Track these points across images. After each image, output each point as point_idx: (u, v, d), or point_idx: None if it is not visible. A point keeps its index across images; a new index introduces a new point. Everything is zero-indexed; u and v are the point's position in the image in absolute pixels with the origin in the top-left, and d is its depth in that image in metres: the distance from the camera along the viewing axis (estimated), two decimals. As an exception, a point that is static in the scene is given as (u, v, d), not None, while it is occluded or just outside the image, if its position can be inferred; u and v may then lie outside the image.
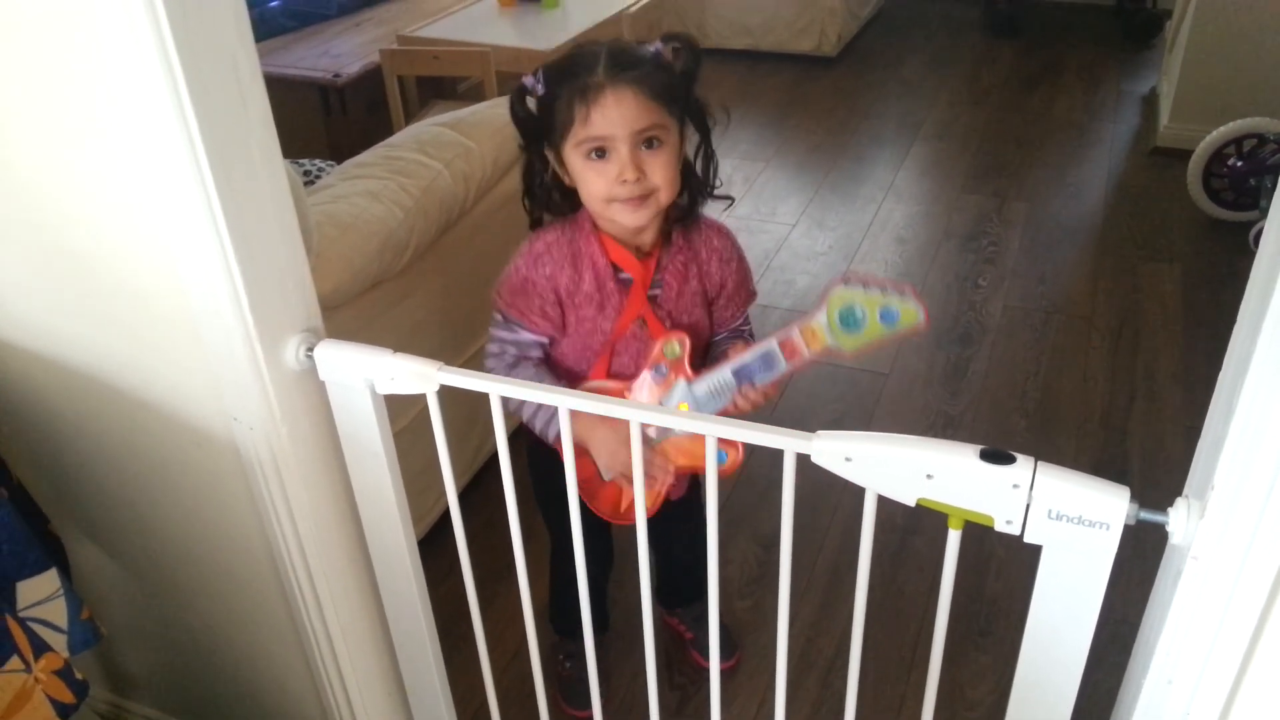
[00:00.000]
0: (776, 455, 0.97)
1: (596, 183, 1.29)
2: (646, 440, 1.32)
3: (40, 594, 1.22)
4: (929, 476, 0.91)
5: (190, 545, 1.38)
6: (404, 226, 1.83)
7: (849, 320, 1.14)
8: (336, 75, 3.38)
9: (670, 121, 1.30)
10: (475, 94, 3.46)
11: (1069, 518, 0.87)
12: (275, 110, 1.05)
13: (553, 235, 1.38)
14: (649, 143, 1.28)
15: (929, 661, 1.03)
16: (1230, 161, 3.17)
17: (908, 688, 1.81)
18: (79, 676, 1.21)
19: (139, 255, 1.09)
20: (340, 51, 3.57)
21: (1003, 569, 2.02)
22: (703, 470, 1.35)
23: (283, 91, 3.21)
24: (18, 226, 1.15)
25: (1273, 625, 0.85)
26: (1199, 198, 3.25)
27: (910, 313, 1.12)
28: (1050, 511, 0.88)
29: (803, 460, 0.96)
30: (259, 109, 1.03)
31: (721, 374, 1.27)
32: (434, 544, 1.75)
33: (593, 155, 1.28)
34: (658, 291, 1.40)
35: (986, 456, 0.88)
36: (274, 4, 3.80)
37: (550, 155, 1.35)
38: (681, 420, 1.02)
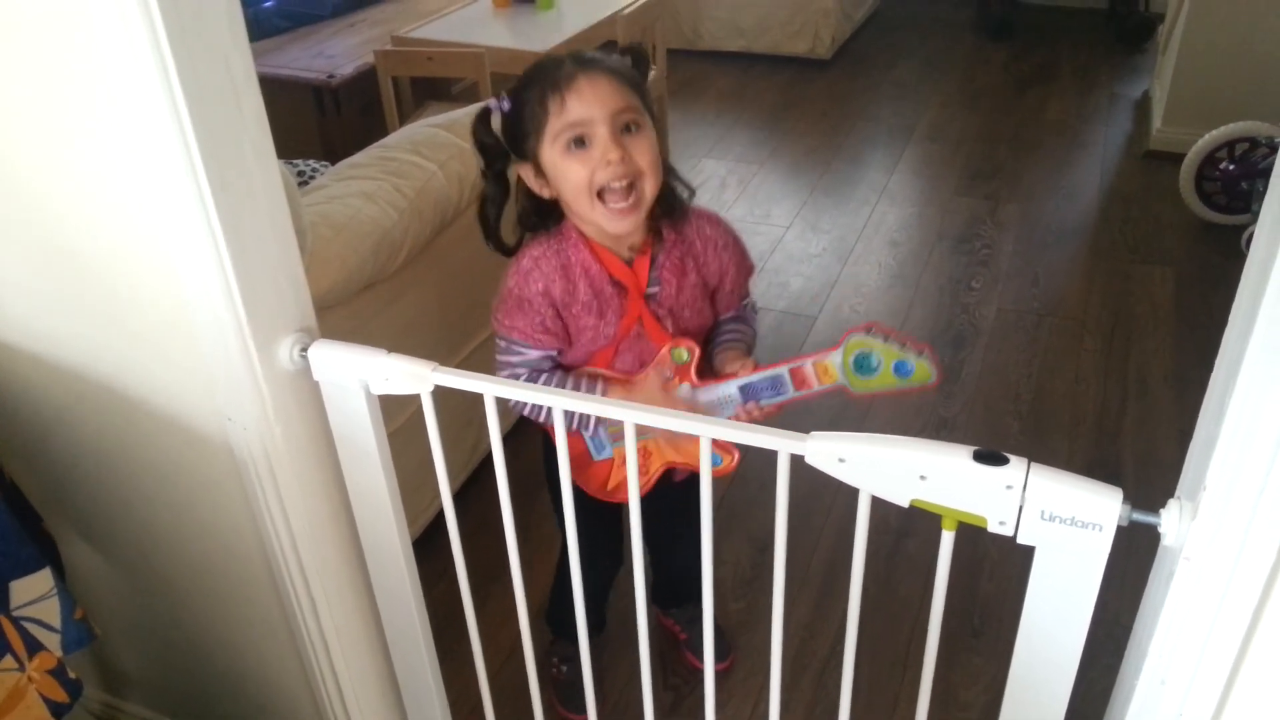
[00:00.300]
0: (771, 456, 0.97)
1: (579, 172, 1.26)
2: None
3: (34, 593, 1.22)
4: (922, 477, 0.91)
5: (184, 545, 1.38)
6: (398, 227, 1.83)
7: (863, 365, 1.16)
8: (331, 76, 3.37)
9: (644, 110, 1.30)
10: (470, 95, 3.46)
11: (1062, 519, 0.87)
12: (269, 111, 1.05)
13: (538, 249, 1.36)
14: (627, 128, 1.27)
15: (923, 662, 1.03)
16: (1222, 165, 3.18)
17: (902, 688, 1.82)
18: (72, 676, 1.21)
19: (134, 255, 1.09)
20: (334, 52, 3.57)
21: (996, 570, 2.03)
22: (694, 468, 1.35)
23: (277, 92, 3.21)
24: (13, 227, 1.14)
25: (1265, 625, 0.85)
26: (1191, 201, 3.27)
27: (924, 371, 1.15)
28: (1043, 513, 0.88)
29: (797, 461, 0.97)
30: (253, 109, 1.03)
31: (727, 388, 1.28)
32: (429, 544, 1.75)
33: (572, 145, 1.26)
34: (655, 289, 1.38)
35: (980, 457, 0.89)
36: (268, 5, 3.80)
37: (524, 170, 1.33)
38: (677, 421, 1.02)
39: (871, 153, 4.03)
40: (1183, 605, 0.88)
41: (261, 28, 3.70)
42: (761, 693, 1.82)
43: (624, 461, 1.40)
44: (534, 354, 1.37)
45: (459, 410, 2.04)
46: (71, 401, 1.28)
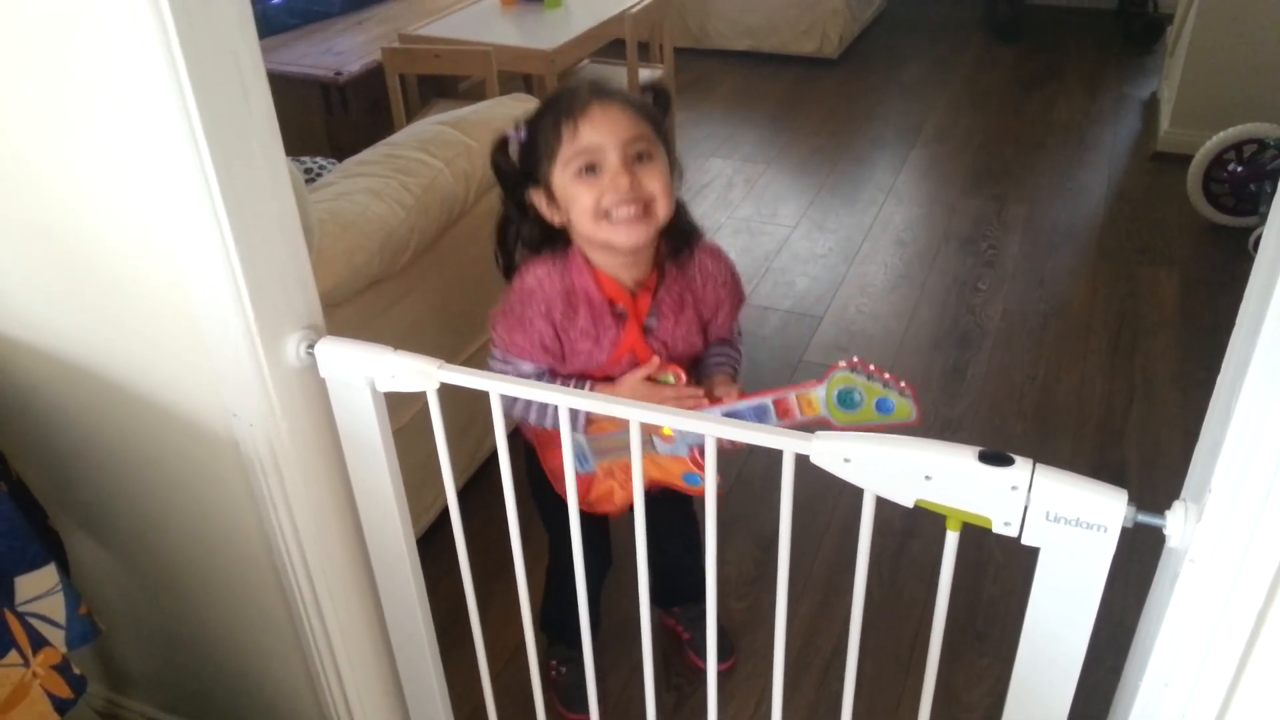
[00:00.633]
0: (775, 456, 0.97)
1: (588, 197, 1.28)
2: (649, 443, 1.33)
3: (39, 589, 1.22)
4: (927, 478, 0.91)
5: (189, 541, 1.38)
6: (405, 225, 1.83)
7: (846, 400, 1.17)
8: (338, 73, 3.38)
9: (658, 142, 1.32)
10: (476, 93, 3.46)
11: (1067, 520, 0.87)
12: (277, 108, 1.05)
13: (543, 269, 1.37)
14: (639, 157, 1.29)
15: (926, 663, 1.03)
16: (1230, 167, 3.17)
17: (905, 689, 1.82)
18: (77, 672, 1.21)
19: (141, 251, 1.09)
20: (342, 49, 3.57)
21: (1000, 572, 2.03)
22: (674, 485, 1.36)
23: (285, 89, 3.21)
24: (20, 223, 1.15)
25: (1269, 628, 0.85)
26: (1199, 202, 3.26)
27: (905, 409, 1.16)
28: (1048, 513, 0.88)
29: (801, 461, 0.97)
30: (262, 107, 1.03)
31: (712, 414, 1.29)
32: (432, 542, 1.75)
33: (583, 172, 1.28)
34: (653, 323, 1.40)
35: (985, 458, 0.89)
36: (277, 1, 3.80)
37: (536, 196, 1.35)
38: (683, 420, 1.02)
39: (878, 153, 4.03)
40: (1187, 608, 0.88)
41: (270, 24, 3.71)
42: (764, 693, 1.82)
43: (608, 474, 1.42)
44: (528, 368, 1.39)
45: (462, 410, 2.04)
46: (77, 397, 1.29)
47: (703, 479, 1.33)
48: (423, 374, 1.09)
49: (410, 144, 2.03)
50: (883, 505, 0.94)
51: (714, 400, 1.36)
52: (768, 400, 1.22)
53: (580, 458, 1.40)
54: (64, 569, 1.29)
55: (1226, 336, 0.94)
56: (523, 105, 2.27)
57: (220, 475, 1.26)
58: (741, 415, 1.24)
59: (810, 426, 0.99)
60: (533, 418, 1.39)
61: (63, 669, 1.19)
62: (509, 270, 1.43)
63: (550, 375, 1.40)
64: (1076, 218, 3.45)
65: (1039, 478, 0.87)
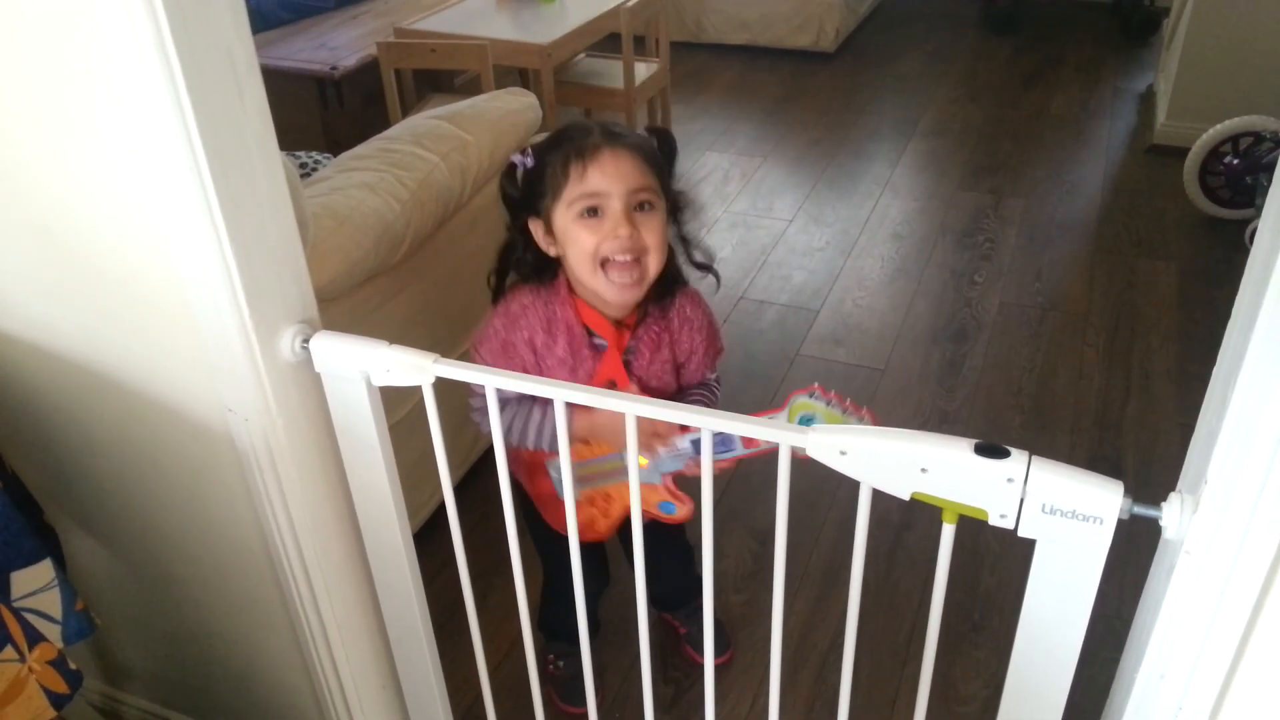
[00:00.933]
0: (772, 451, 0.97)
1: (588, 240, 1.30)
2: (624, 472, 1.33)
3: (35, 584, 1.22)
4: (924, 470, 0.91)
5: (185, 537, 1.38)
6: (400, 219, 1.83)
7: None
8: (333, 68, 3.37)
9: (660, 192, 1.34)
10: (472, 87, 3.45)
11: (1063, 512, 0.87)
12: (271, 103, 1.05)
13: (528, 298, 1.40)
14: (641, 206, 1.31)
15: (923, 656, 1.03)
16: (1226, 159, 3.18)
17: (902, 681, 1.82)
18: (73, 667, 1.21)
19: (135, 246, 1.09)
20: (337, 44, 3.57)
21: (996, 564, 2.03)
22: (652, 515, 1.37)
23: (279, 84, 3.20)
24: (14, 218, 1.14)
25: (1265, 619, 0.85)
26: (1195, 195, 3.26)
27: None
28: (1044, 506, 0.88)
29: (798, 455, 0.96)
30: (256, 101, 1.03)
31: (681, 442, 1.31)
32: (429, 538, 1.75)
33: (585, 214, 1.30)
34: (630, 359, 1.42)
35: (981, 450, 0.89)
36: (271, -4, 3.79)
37: (534, 225, 1.37)
38: (676, 414, 1.02)
39: (875, 146, 4.03)
40: (1183, 599, 0.88)
41: (264, 19, 3.70)
42: (761, 686, 1.82)
43: (589, 501, 1.43)
44: (511, 394, 1.40)
45: (458, 405, 2.03)
46: (73, 392, 1.28)
47: (677, 507, 1.37)
48: (418, 368, 1.09)
49: (405, 138, 2.02)
50: (879, 498, 0.94)
51: (681, 431, 1.36)
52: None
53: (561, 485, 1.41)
54: (60, 565, 1.29)
55: (1222, 329, 0.94)
56: (519, 100, 2.27)
57: (216, 470, 1.26)
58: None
59: (774, 455, 0.99)
60: (514, 438, 1.40)
61: (59, 664, 1.19)
62: (498, 293, 1.45)
63: (530, 403, 1.41)
64: (1073, 211, 3.45)
65: (1035, 470, 0.87)
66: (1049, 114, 4.21)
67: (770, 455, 1.03)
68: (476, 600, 1.27)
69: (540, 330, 1.38)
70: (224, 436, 1.20)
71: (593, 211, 1.30)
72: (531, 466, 1.49)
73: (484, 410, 1.14)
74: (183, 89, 0.94)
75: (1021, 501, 0.88)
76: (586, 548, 1.58)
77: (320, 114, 3.63)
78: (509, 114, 2.19)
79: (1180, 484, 0.96)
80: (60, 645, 1.22)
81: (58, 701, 1.18)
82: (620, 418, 1.34)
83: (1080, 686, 1.01)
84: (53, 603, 1.24)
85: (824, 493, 2.20)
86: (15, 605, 1.19)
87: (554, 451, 1.43)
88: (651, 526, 1.42)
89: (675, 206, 1.40)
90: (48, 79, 1.01)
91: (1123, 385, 2.57)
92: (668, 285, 1.43)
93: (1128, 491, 0.86)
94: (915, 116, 4.25)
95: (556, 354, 1.39)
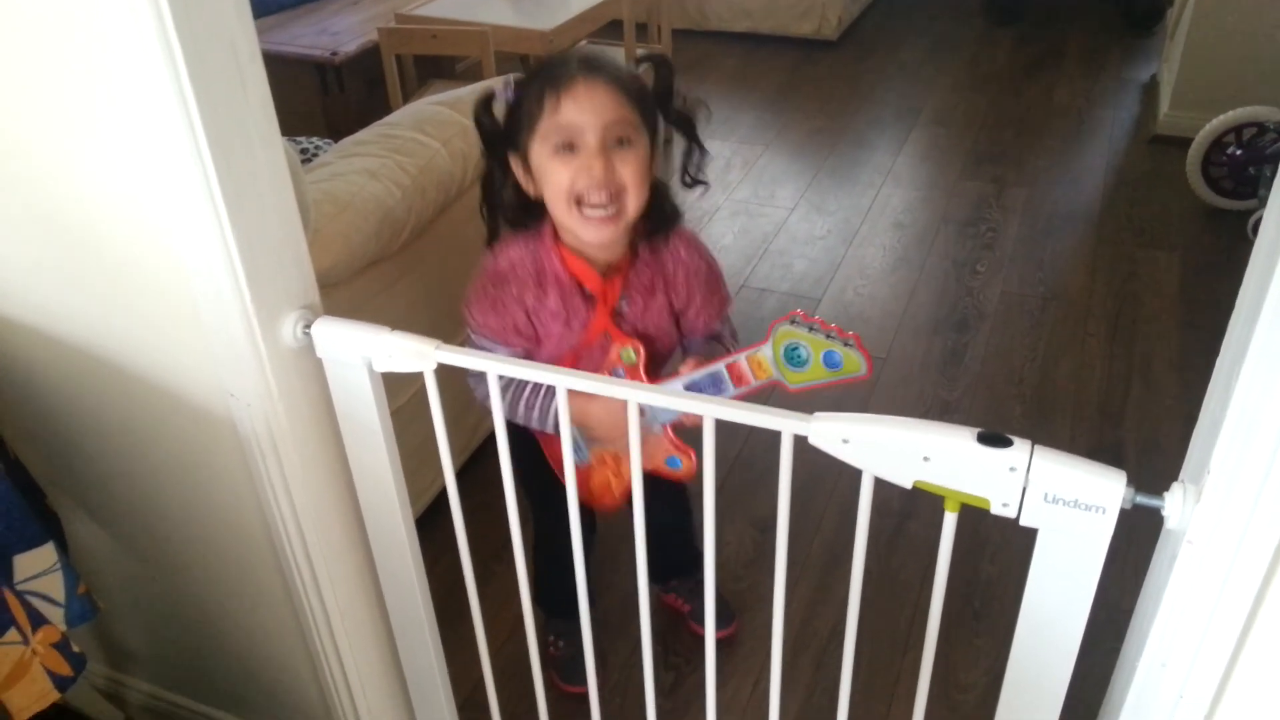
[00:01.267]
0: (774, 438, 0.97)
1: (561, 176, 1.26)
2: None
3: (37, 567, 1.23)
4: (926, 459, 0.91)
5: (187, 521, 1.38)
6: (402, 205, 1.83)
7: (793, 358, 1.14)
8: (334, 53, 3.36)
9: (642, 126, 1.28)
10: (473, 73, 3.45)
11: (1065, 501, 0.87)
12: (272, 88, 1.04)
13: (516, 252, 1.36)
14: (620, 141, 1.26)
15: (924, 644, 1.04)
16: (1230, 150, 3.17)
17: (902, 670, 1.82)
18: (76, 650, 1.21)
19: (137, 231, 1.09)
20: (338, 29, 3.55)
21: (998, 553, 2.03)
22: (660, 473, 1.36)
23: (280, 69, 3.20)
24: (17, 204, 1.14)
25: (1267, 609, 0.85)
26: (1198, 186, 3.25)
27: (853, 362, 1.12)
28: (1047, 495, 0.88)
29: (800, 442, 0.96)
30: (257, 87, 1.02)
31: (673, 387, 1.28)
32: (430, 523, 1.75)
33: (560, 148, 1.25)
34: (624, 306, 1.39)
35: (984, 439, 0.89)
36: (272, -19, 3.78)
37: (514, 162, 1.33)
38: (679, 400, 1.02)
39: (877, 135, 4.02)
40: (1185, 588, 0.88)
41: (265, 4, 3.69)
42: (762, 671, 1.83)
43: (600, 463, 1.42)
44: (503, 351, 1.39)
45: (460, 392, 2.03)
46: (75, 377, 1.28)
47: (682, 461, 1.34)
48: (420, 354, 1.09)
49: (407, 124, 2.02)
50: (881, 486, 0.95)
51: (672, 377, 1.33)
52: (720, 366, 1.21)
53: (576, 447, 1.40)
54: (62, 548, 1.29)
55: (1224, 320, 0.94)
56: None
57: (218, 455, 1.26)
58: (699, 385, 1.23)
59: (765, 392, 0.97)
60: (520, 415, 1.39)
61: (62, 647, 1.19)
62: (494, 233, 1.41)
63: (528, 359, 1.40)
64: (1076, 201, 3.45)
65: (1038, 459, 0.87)
66: (1052, 103, 4.20)
67: (761, 390, 1.01)
68: (477, 585, 1.27)
69: (531, 284, 1.35)
70: (226, 422, 1.20)
71: (568, 146, 1.25)
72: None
73: (480, 382, 1.11)
74: (184, 74, 0.94)
75: (1024, 491, 0.88)
76: (587, 507, 1.58)
77: (321, 99, 3.62)
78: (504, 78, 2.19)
79: (1183, 474, 0.96)
80: (64, 628, 1.23)
81: (61, 684, 1.18)
82: (613, 409, 1.34)
83: (1081, 675, 1.01)
84: (55, 586, 1.25)
85: (824, 481, 2.20)
86: (18, 588, 1.20)
87: (546, 433, 1.42)
88: (654, 487, 1.42)
89: (669, 138, 1.34)
90: (50, 68, 1.01)
91: (1124, 375, 2.57)
92: (661, 222, 1.37)
93: (1130, 481, 0.86)
94: (918, 105, 4.23)
95: (549, 307, 1.35)
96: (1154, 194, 3.44)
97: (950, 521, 0.95)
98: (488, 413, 1.43)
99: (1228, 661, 0.89)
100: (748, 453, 2.31)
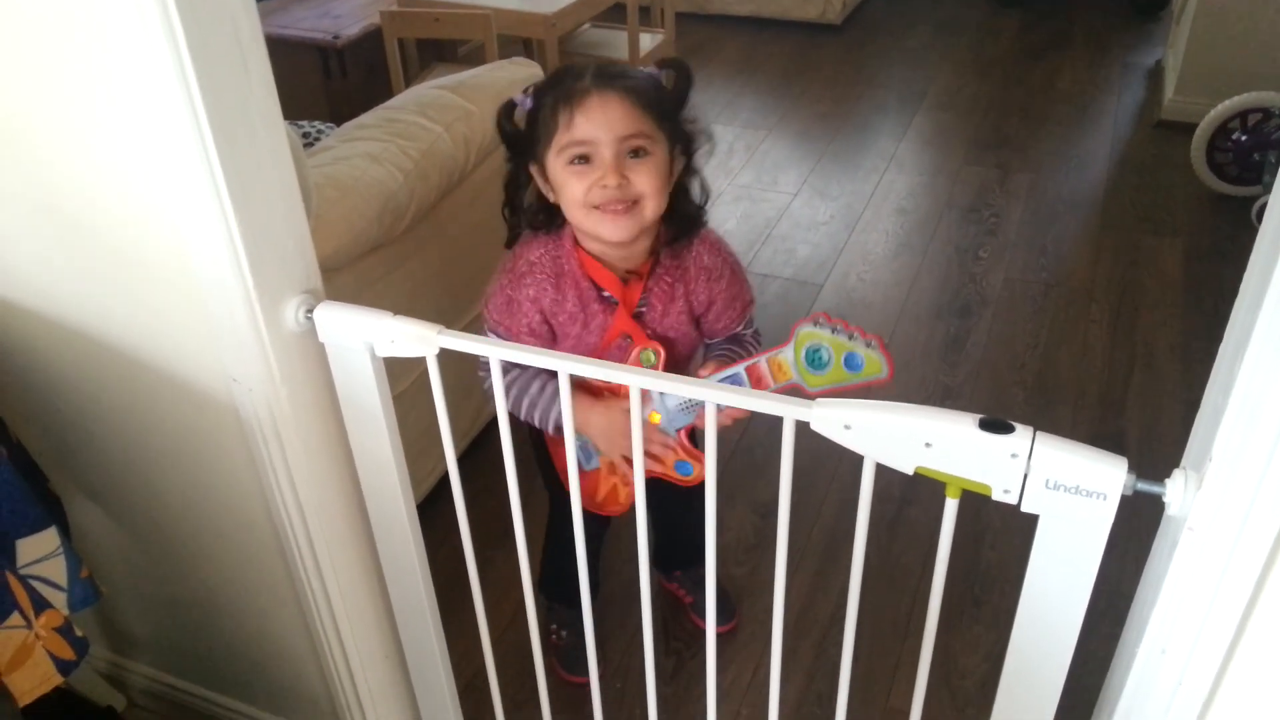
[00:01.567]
0: (775, 423, 0.97)
1: (576, 188, 1.26)
2: (646, 425, 1.32)
3: (40, 552, 1.23)
4: (928, 445, 0.91)
5: (190, 506, 1.38)
6: (404, 189, 1.82)
7: (815, 360, 1.14)
8: (336, 36, 3.35)
9: (658, 134, 1.28)
10: (476, 57, 3.43)
11: (1066, 487, 0.87)
12: (274, 72, 1.04)
13: (535, 253, 1.36)
14: (635, 153, 1.26)
15: (924, 629, 1.04)
16: (1235, 136, 3.15)
17: (902, 654, 1.83)
18: (79, 634, 1.22)
19: (140, 216, 1.09)
20: (340, 12, 3.54)
21: (998, 539, 2.03)
22: (670, 478, 1.36)
23: (282, 52, 3.18)
24: (19, 189, 1.14)
25: (1267, 596, 0.85)
26: (1202, 172, 3.24)
27: (875, 364, 1.12)
28: (1048, 481, 0.88)
29: (801, 428, 0.96)
30: (260, 71, 1.02)
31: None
32: (431, 509, 1.76)
33: (575, 161, 1.26)
34: (643, 310, 1.38)
35: (986, 425, 0.88)
36: (274, -36, 3.76)
37: (535, 170, 1.33)
38: (683, 387, 1.02)
39: (881, 120, 4.00)
40: (1185, 575, 0.88)
41: (267, -13, 3.67)
42: (762, 657, 1.83)
43: (610, 469, 1.42)
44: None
45: (462, 377, 2.03)
46: (77, 362, 1.29)
47: (694, 467, 1.34)
48: (422, 339, 1.08)
49: (409, 108, 2.01)
50: (882, 472, 0.95)
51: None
52: (739, 369, 1.21)
53: (586, 453, 1.40)
54: (64, 533, 1.29)
55: (1228, 307, 0.93)
56: (523, 70, 2.25)
57: (220, 439, 1.26)
58: None
59: (784, 394, 0.97)
60: (523, 413, 1.39)
61: (65, 631, 1.20)
62: (514, 235, 1.42)
63: (534, 374, 1.39)
64: (1079, 186, 3.44)
65: (1039, 445, 0.87)
66: (1056, 89, 4.18)
67: (780, 393, 1.01)
68: (479, 570, 1.28)
69: (549, 287, 1.35)
70: (228, 406, 1.20)
71: (583, 159, 1.25)
72: (557, 428, 1.46)
73: (490, 373, 1.12)
74: (186, 57, 0.93)
75: (1025, 477, 0.88)
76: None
77: (323, 83, 3.61)
78: (513, 84, 2.18)
79: (1184, 460, 0.96)
80: (66, 612, 1.23)
81: (64, 668, 1.19)
82: (614, 419, 1.34)
83: (1080, 661, 1.02)
84: (58, 570, 1.25)
85: (826, 466, 2.20)
86: (21, 572, 1.20)
87: (549, 433, 1.42)
88: (669, 486, 1.42)
89: (688, 145, 1.34)
90: (52, 52, 1.00)
91: (1126, 361, 2.56)
92: (682, 227, 1.37)
93: (1131, 467, 0.86)
94: (922, 90, 4.22)
95: (567, 309, 1.36)
96: (1158, 180, 3.43)
97: (951, 507, 0.95)
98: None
99: (1227, 648, 0.89)
100: (749, 438, 2.31)
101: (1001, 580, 1.95)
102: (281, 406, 1.16)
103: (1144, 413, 2.39)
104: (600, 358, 1.37)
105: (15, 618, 1.13)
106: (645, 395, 1.30)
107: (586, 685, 1.35)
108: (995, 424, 0.88)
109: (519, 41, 3.82)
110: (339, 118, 2.27)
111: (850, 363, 1.12)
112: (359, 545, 1.34)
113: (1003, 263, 3.02)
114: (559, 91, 1.26)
